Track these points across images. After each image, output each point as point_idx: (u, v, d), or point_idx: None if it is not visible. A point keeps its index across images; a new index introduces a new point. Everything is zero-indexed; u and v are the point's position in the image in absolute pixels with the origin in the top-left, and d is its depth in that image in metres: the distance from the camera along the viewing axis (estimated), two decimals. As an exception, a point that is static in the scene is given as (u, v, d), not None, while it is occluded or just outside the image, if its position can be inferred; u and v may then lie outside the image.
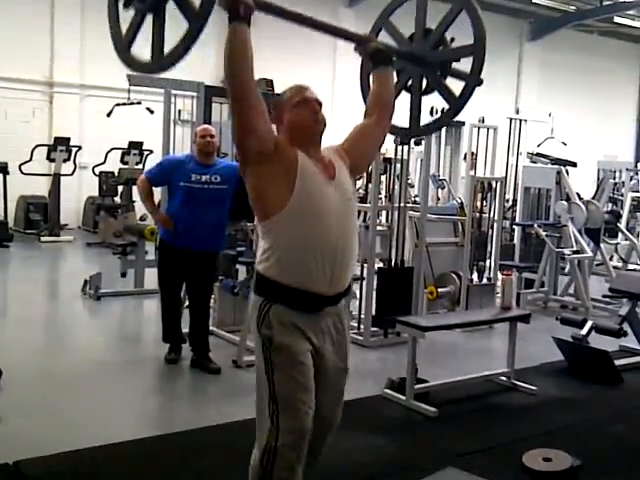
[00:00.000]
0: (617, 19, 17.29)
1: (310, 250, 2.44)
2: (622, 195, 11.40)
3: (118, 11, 2.74)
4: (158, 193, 5.98)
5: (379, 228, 6.68)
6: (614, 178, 11.98)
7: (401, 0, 3.25)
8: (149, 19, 2.60)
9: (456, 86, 3.10)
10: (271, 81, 12.51)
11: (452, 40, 3.18)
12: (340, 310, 2.63)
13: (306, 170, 2.47)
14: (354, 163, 2.70)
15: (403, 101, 3.22)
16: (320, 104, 2.60)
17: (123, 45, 2.66)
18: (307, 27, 2.66)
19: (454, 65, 3.19)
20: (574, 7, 16.94)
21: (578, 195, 8.30)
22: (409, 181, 8.97)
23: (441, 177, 11.40)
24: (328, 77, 14.68)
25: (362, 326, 5.90)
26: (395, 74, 3.04)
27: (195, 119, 7.10)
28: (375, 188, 6.19)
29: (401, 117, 3.19)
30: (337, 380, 2.67)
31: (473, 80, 3.05)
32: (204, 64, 10.81)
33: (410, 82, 3.24)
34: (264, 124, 2.43)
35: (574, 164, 9.53)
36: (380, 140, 2.90)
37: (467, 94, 3.06)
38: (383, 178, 7.37)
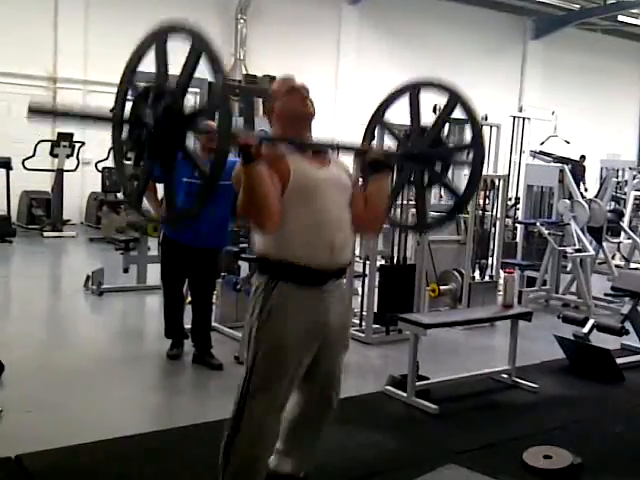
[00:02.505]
0: (621, 17, 17.25)
1: (308, 230, 2.56)
2: (625, 194, 11.40)
3: (124, 163, 2.77)
4: (160, 189, 5.98)
5: (381, 225, 6.67)
6: (617, 177, 11.96)
7: (394, 98, 3.24)
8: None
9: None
10: (274, 78, 12.50)
11: (448, 135, 3.22)
12: (341, 286, 2.78)
13: (297, 164, 2.60)
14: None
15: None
16: (307, 90, 2.70)
17: (134, 198, 2.73)
18: (310, 149, 2.70)
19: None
20: (578, 5, 16.91)
21: (581, 194, 8.30)
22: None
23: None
24: (331, 74, 14.66)
25: (364, 323, 5.90)
26: (397, 169, 3.19)
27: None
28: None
29: (401, 114, 3.20)
30: (335, 356, 2.80)
31: (475, 177, 3.13)
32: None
33: (412, 178, 3.26)
34: (277, 205, 2.50)
35: (577, 162, 9.53)
36: (367, 234, 3.09)
37: (470, 192, 3.16)
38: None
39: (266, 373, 2.60)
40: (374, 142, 3.38)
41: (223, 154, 2.38)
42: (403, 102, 3.21)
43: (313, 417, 2.86)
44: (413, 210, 4.25)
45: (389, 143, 3.29)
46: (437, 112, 5.75)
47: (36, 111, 2.33)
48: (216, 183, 2.39)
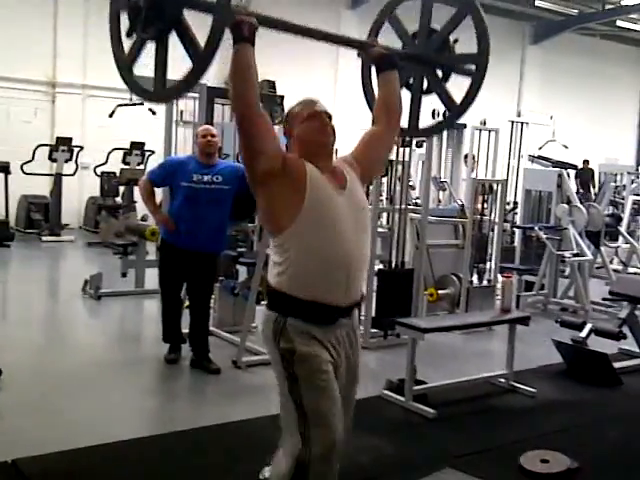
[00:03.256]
0: (620, 23, 17.32)
1: (324, 261, 2.42)
2: (623, 198, 11.41)
3: (120, 32, 2.67)
4: (159, 193, 5.99)
5: (380, 230, 6.68)
6: (615, 181, 11.98)
7: None
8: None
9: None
10: (274, 83, 12.54)
11: (456, 41, 3.16)
12: (354, 322, 2.63)
13: (315, 182, 2.45)
14: (366, 169, 2.70)
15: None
16: (330, 117, 2.60)
17: (125, 65, 2.63)
18: (311, 38, 2.64)
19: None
20: (576, 10, 16.95)
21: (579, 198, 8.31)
22: (410, 183, 8.98)
23: (442, 179, 11.40)
24: (330, 78, 14.69)
25: (362, 327, 5.90)
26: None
27: (197, 120, 7.12)
28: (376, 190, 6.20)
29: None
30: (348, 391, 2.69)
31: (474, 89, 3.03)
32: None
33: (411, 81, 3.23)
34: (271, 143, 2.43)
35: (575, 167, 9.55)
36: (391, 143, 2.89)
37: (468, 103, 3.05)
38: (384, 180, 7.38)
39: (315, 401, 2.44)
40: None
41: (219, 29, 2.30)
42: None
43: None
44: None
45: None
46: (436, 116, 5.79)
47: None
48: (209, 61, 2.33)
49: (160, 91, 2.53)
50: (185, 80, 2.41)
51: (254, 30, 2.35)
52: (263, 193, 2.48)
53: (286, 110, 2.73)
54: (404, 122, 3.23)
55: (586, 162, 15.71)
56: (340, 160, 2.69)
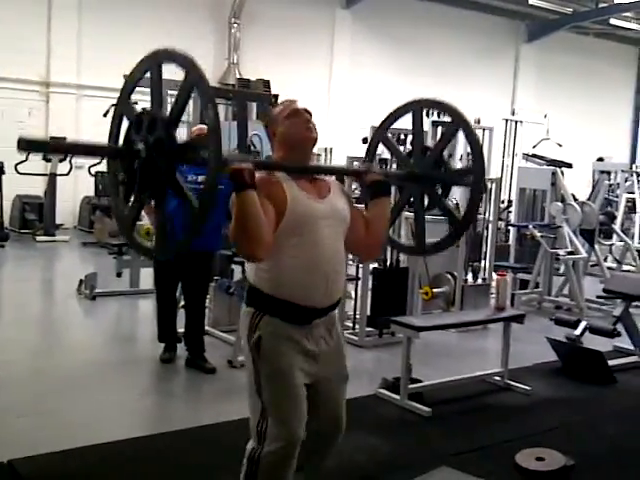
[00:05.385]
0: (613, 21, 17.35)
1: (303, 268, 2.46)
2: (617, 196, 11.45)
3: (119, 189, 2.63)
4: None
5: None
6: (609, 179, 12.01)
7: (397, 115, 3.20)
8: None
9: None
10: (268, 82, 12.53)
11: (450, 156, 3.17)
12: (332, 318, 2.65)
13: (295, 196, 2.47)
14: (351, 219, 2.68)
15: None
16: (310, 114, 2.61)
17: (127, 225, 2.61)
18: (310, 174, 2.64)
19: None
20: (570, 9, 16.99)
21: (573, 196, 8.33)
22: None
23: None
24: (325, 77, 14.70)
25: (357, 326, 5.91)
26: (398, 191, 3.15)
27: (191, 119, 7.11)
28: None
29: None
30: (338, 384, 2.73)
31: (474, 203, 3.10)
32: (200, 64, 10.80)
33: (412, 199, 3.21)
34: (269, 234, 2.37)
35: (569, 165, 9.57)
36: (363, 259, 2.97)
37: (469, 220, 3.14)
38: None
39: (275, 399, 2.49)
40: (375, 162, 3.29)
41: (213, 186, 2.27)
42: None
43: (318, 449, 2.73)
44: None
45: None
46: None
47: (26, 146, 2.22)
48: (206, 216, 2.30)
49: (162, 246, 2.58)
50: (186, 236, 2.40)
51: (253, 174, 2.32)
52: None
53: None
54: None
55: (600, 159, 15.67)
56: (336, 182, 2.71)
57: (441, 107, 3.24)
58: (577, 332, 5.32)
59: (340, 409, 2.74)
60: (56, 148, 2.76)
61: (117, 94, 2.59)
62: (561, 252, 7.48)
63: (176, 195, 2.39)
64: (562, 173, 8.22)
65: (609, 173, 12.29)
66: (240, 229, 2.31)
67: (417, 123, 3.09)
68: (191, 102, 7.90)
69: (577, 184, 13.58)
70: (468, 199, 3.17)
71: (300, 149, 2.56)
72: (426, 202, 3.10)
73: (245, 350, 2.59)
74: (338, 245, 2.57)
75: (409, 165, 3.07)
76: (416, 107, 3.09)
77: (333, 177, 2.79)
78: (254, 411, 2.54)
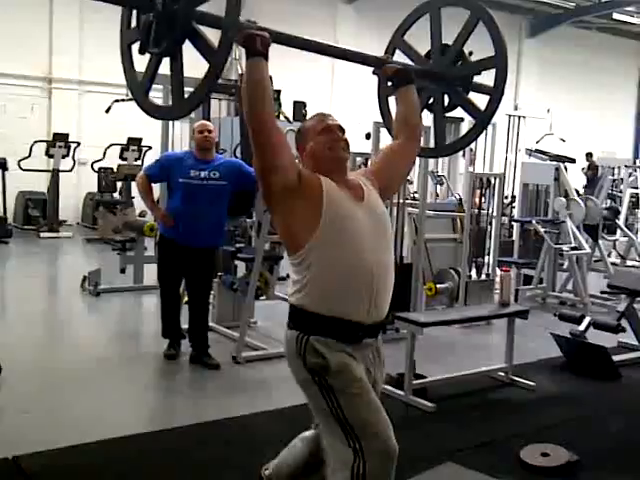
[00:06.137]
0: (616, 15, 17.30)
1: (344, 275, 2.36)
2: (621, 191, 11.42)
3: (132, 56, 2.65)
4: (157, 189, 5.98)
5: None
6: (613, 174, 11.99)
7: (414, 17, 3.15)
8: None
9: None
10: (270, 77, 12.50)
11: (470, 53, 3.14)
12: (379, 344, 2.56)
13: (332, 195, 2.39)
14: (384, 185, 2.63)
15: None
16: (343, 130, 2.54)
17: (140, 90, 2.59)
18: (327, 55, 2.59)
19: (475, 79, 3.13)
20: (573, 4, 16.94)
21: (576, 192, 8.31)
22: (408, 177, 8.96)
23: (440, 173, 11.39)
24: (327, 75, 14.65)
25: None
26: (417, 92, 2.99)
27: (194, 115, 7.09)
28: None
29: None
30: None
31: (498, 92, 3.02)
32: (203, 60, 10.79)
33: (431, 100, 3.16)
34: (286, 157, 2.36)
35: (573, 160, 9.54)
36: (413, 157, 2.84)
37: (493, 107, 3.03)
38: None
39: (359, 415, 2.39)
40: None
41: (227, 46, 2.28)
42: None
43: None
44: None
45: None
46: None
47: None
48: (221, 68, 2.33)
49: (180, 103, 2.50)
50: (204, 82, 2.38)
51: (267, 44, 2.32)
52: (279, 210, 2.42)
53: (299, 126, 2.66)
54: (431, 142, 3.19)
55: (589, 155, 15.67)
56: (357, 174, 2.64)
57: (458, 2, 3.20)
58: (581, 328, 5.31)
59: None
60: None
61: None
62: (565, 247, 7.45)
63: (194, 42, 2.40)
64: (565, 168, 8.20)
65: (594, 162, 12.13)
66: (247, 99, 2.32)
67: (435, 23, 3.09)
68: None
69: (581, 179, 13.59)
70: (493, 86, 3.07)
71: (330, 167, 2.47)
72: (447, 102, 3.05)
73: (301, 376, 2.42)
74: (381, 252, 2.47)
75: (428, 66, 3.03)
76: (432, 7, 3.12)
77: (357, 173, 2.68)
78: (335, 432, 2.38)
